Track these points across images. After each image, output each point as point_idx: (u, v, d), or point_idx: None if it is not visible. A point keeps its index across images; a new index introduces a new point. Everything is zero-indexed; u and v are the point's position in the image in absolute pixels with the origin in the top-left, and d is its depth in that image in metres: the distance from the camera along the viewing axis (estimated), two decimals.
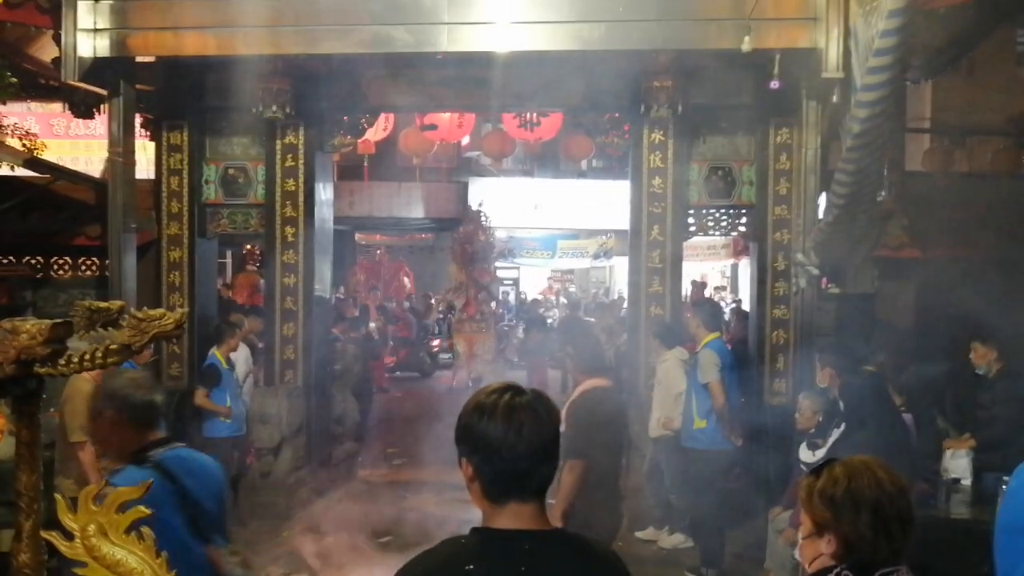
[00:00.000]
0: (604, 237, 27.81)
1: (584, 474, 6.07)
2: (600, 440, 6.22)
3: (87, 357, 2.38)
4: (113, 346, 2.41)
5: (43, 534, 2.47)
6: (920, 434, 8.09)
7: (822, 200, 9.20)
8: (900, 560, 2.77)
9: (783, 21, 8.53)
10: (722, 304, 20.41)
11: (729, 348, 9.54)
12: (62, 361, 2.37)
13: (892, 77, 6.65)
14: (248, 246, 19.09)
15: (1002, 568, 3.10)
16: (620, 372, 10.37)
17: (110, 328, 2.44)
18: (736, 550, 8.91)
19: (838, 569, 2.76)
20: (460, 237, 16.27)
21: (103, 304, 2.44)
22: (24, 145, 11.82)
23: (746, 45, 8.17)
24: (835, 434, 7.36)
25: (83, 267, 10.75)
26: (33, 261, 10.73)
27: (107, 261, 9.83)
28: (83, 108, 10.62)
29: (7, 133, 11.97)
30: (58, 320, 2.32)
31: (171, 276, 10.76)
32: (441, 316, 24.58)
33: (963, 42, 9.37)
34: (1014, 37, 16.44)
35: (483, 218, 15.83)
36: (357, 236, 28.94)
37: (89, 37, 9.04)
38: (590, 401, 6.36)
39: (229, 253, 21.67)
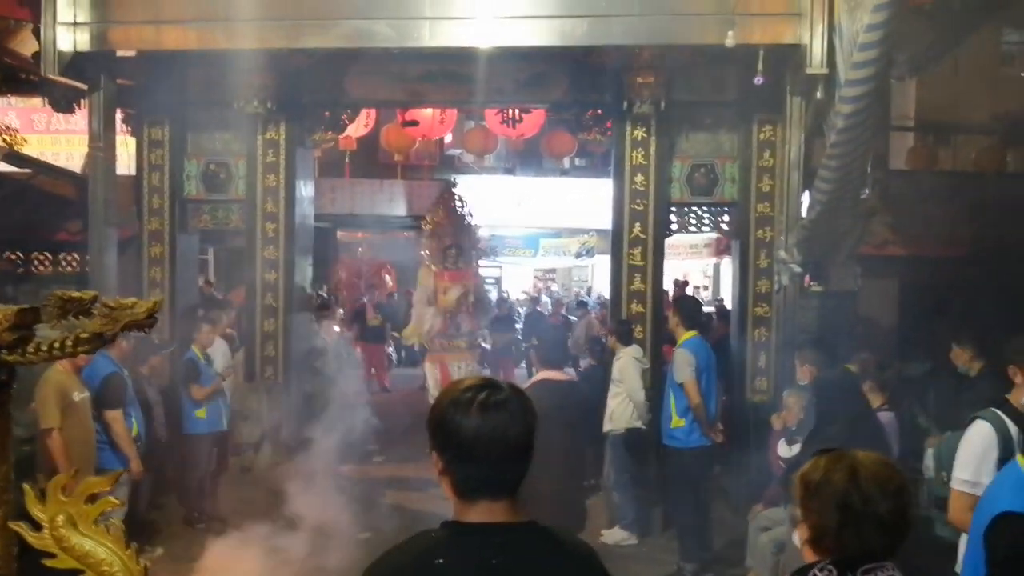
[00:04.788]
0: (586, 235, 27.66)
1: None
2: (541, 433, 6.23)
3: (57, 345, 2.33)
4: (84, 334, 2.37)
5: (11, 524, 2.42)
6: (902, 432, 8.10)
7: (805, 197, 9.19)
8: (885, 558, 2.67)
9: (767, 16, 8.54)
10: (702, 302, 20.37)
11: (709, 346, 9.50)
12: (31, 348, 2.32)
13: (877, 72, 6.66)
14: None
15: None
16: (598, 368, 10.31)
17: (82, 317, 2.40)
18: (717, 548, 8.88)
19: (820, 564, 2.72)
20: (434, 229, 12.71)
21: (76, 293, 2.40)
22: (4, 140, 11.78)
23: (730, 41, 8.15)
24: None
25: (64, 262, 10.73)
26: (13, 257, 10.69)
27: (88, 256, 9.79)
28: (63, 103, 10.60)
29: None
30: (24, 306, 2.28)
31: (152, 272, 10.73)
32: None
33: (948, 39, 9.36)
34: (999, 35, 16.50)
35: (460, 204, 12.62)
36: (339, 233, 28.85)
37: (69, 31, 9.00)
38: (535, 394, 6.40)
39: (211, 250, 21.54)
